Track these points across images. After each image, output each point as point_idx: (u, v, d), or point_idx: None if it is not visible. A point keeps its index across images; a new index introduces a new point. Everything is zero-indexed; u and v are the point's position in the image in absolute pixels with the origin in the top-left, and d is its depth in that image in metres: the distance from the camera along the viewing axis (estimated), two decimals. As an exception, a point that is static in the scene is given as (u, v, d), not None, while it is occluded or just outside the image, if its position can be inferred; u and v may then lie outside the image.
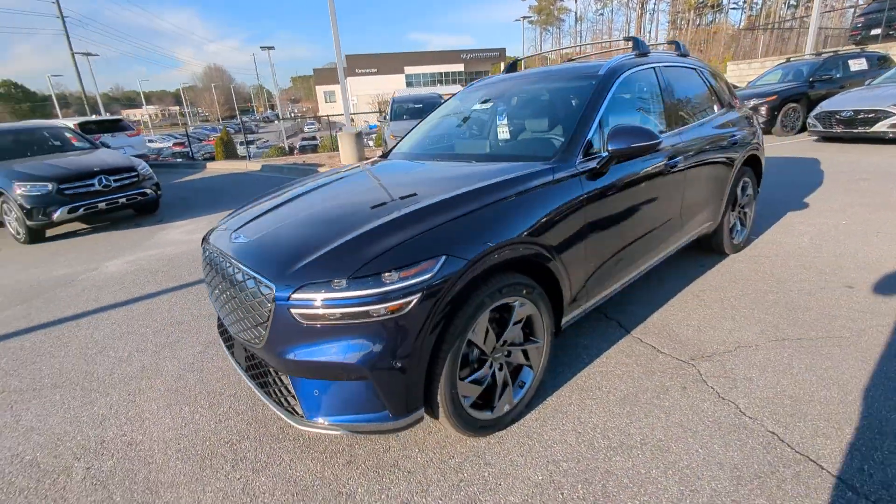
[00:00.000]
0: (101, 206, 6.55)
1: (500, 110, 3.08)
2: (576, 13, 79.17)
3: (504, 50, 51.42)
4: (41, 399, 2.61)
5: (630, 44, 3.05)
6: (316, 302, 1.59)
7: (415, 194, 2.01)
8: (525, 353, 2.09)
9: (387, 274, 1.59)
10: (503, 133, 2.97)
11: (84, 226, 7.29)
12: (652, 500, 1.63)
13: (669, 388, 2.21)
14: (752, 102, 9.66)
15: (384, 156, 3.17)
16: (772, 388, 2.14)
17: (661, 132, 2.79)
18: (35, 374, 2.90)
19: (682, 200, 2.92)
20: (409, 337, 1.61)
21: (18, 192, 6.10)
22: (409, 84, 53.13)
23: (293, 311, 1.62)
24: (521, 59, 3.74)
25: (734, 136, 3.35)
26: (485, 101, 3.19)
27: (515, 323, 1.98)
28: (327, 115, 24.08)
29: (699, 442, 1.86)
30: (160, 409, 2.43)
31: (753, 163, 3.77)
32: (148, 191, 7.14)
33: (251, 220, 2.20)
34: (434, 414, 1.83)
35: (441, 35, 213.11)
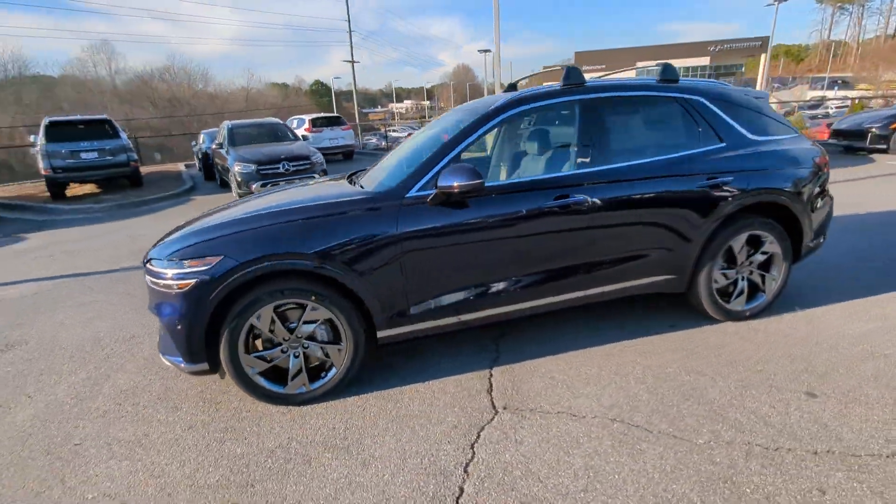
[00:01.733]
0: (282, 184, 8.84)
1: (429, 140, 3.26)
2: (899, -17, 59.41)
3: (767, 39, 42.46)
4: (138, 308, 4.17)
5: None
6: (152, 271, 2.39)
7: (265, 207, 2.59)
8: (325, 351, 2.47)
9: (185, 261, 2.27)
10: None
11: (279, 197, 9.90)
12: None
13: (444, 422, 2.26)
14: None
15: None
16: (525, 456, 1.99)
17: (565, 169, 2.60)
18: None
19: (589, 245, 2.65)
20: (188, 308, 2.26)
21: (236, 169, 8.79)
22: (639, 81, 49.15)
23: (146, 276, 2.46)
24: (520, 80, 3.73)
25: (716, 178, 2.71)
26: (429, 129, 3.40)
27: (306, 322, 2.40)
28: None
29: (380, 472, 1.97)
30: (171, 327, 3.65)
31: (785, 216, 2.91)
32: (316, 175, 9.22)
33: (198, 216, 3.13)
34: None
35: (704, 23, 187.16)
